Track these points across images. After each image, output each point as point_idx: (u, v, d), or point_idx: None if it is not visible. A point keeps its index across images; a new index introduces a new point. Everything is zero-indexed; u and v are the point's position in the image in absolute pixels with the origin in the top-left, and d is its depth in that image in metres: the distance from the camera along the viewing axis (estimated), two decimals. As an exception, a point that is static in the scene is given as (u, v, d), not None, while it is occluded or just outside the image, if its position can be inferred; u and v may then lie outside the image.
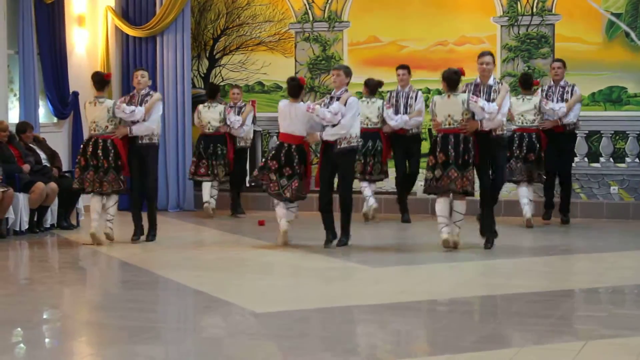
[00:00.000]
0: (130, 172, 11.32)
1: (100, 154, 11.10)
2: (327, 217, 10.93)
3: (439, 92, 14.23)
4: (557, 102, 12.66)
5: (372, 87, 13.20)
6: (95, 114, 11.20)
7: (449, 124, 10.44)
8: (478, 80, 10.77)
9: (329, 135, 10.75)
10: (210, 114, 13.78)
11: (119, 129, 11.19)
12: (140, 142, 11.33)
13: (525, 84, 12.71)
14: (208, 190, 13.82)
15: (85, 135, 14.45)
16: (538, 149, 12.48)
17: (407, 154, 13.24)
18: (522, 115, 12.54)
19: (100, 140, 11.14)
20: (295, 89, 10.89)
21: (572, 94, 12.74)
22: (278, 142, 10.99)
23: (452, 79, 10.53)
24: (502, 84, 10.87)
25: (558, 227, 12.62)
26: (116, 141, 11.17)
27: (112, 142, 11.15)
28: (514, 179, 12.47)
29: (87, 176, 11.14)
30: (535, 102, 12.56)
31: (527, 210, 12.40)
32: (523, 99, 12.60)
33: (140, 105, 11.28)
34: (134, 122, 11.24)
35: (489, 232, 10.74)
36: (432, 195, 10.85)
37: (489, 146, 10.48)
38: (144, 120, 11.26)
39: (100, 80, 11.36)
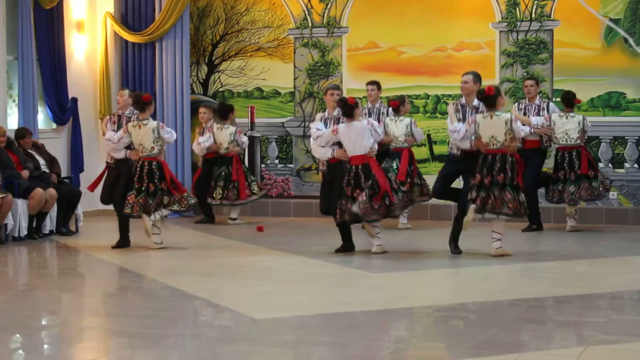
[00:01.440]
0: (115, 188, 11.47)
1: (146, 177, 11.11)
2: (345, 226, 10.97)
3: (438, 98, 14.32)
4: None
5: (396, 106, 13.00)
6: (141, 136, 11.15)
7: (493, 145, 10.32)
8: (463, 100, 10.76)
9: None
10: (222, 135, 13.74)
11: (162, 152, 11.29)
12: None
13: (567, 102, 12.61)
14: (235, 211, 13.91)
15: (86, 144, 14.61)
16: (578, 166, 12.47)
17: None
18: (566, 134, 12.49)
19: (146, 163, 11.14)
20: (346, 108, 10.59)
21: (548, 111, 12.73)
22: (349, 168, 10.69)
23: (487, 98, 10.34)
24: None
25: (557, 233, 12.61)
26: (163, 163, 11.24)
27: (158, 164, 11.17)
28: (570, 199, 12.51)
29: (139, 201, 11.10)
30: (579, 120, 12.53)
31: (573, 222, 12.64)
32: (567, 117, 12.54)
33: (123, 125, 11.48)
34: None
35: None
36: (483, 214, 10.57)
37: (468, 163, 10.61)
38: None
39: (139, 102, 11.23)
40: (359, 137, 10.57)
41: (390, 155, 12.89)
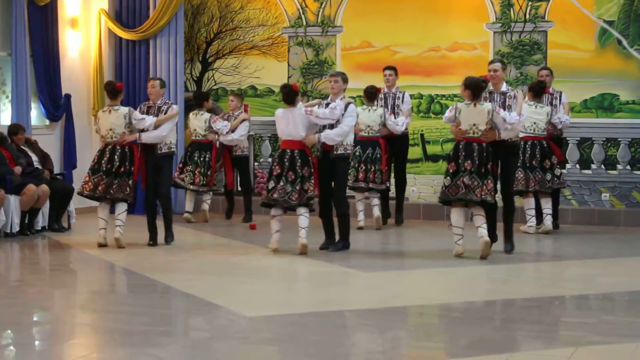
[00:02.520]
0: (146, 180, 11.43)
1: (117, 160, 11.15)
2: (327, 222, 11.00)
3: (431, 98, 14.33)
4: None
5: (371, 95, 13.07)
6: (111, 121, 11.24)
7: (474, 133, 10.39)
8: (491, 87, 10.79)
9: (329, 139, 10.77)
10: (197, 122, 13.79)
11: (124, 134, 11.22)
12: (159, 151, 11.45)
13: (537, 92, 12.57)
14: (191, 202, 13.89)
15: (79, 140, 14.59)
16: (550, 155, 12.48)
17: (395, 157, 13.27)
18: (534, 123, 12.46)
19: (118, 147, 11.20)
20: (290, 95, 10.82)
21: (560, 101, 12.73)
22: (280, 150, 10.89)
23: (479, 87, 10.45)
24: (518, 91, 10.92)
25: (549, 234, 12.62)
26: (134, 148, 11.27)
27: (130, 149, 11.24)
28: (541, 190, 12.48)
29: (94, 180, 11.17)
30: (548, 111, 12.50)
31: (550, 219, 12.57)
32: (536, 106, 12.51)
33: (156, 116, 11.41)
34: (143, 130, 11.29)
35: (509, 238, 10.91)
36: (445, 204, 10.78)
37: (502, 153, 10.54)
38: (154, 128, 11.34)
39: (112, 90, 11.37)
40: (296, 123, 10.68)
41: (357, 143, 12.82)
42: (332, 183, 10.94)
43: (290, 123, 10.73)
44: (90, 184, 11.23)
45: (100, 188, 11.17)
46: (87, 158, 14.88)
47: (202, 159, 13.72)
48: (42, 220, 12.61)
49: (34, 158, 12.87)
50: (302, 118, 10.73)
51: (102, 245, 11.21)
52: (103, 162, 11.19)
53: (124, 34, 15.06)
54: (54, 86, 14.20)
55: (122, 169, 11.18)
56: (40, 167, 12.85)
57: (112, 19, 15.08)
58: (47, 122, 14.40)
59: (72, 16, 14.81)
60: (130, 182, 11.24)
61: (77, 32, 14.90)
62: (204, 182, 13.73)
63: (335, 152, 10.82)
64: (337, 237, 11.10)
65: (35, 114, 14.23)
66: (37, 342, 7.15)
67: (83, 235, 12.53)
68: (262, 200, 10.96)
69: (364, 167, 12.83)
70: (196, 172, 13.68)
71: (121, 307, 8.27)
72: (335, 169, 10.84)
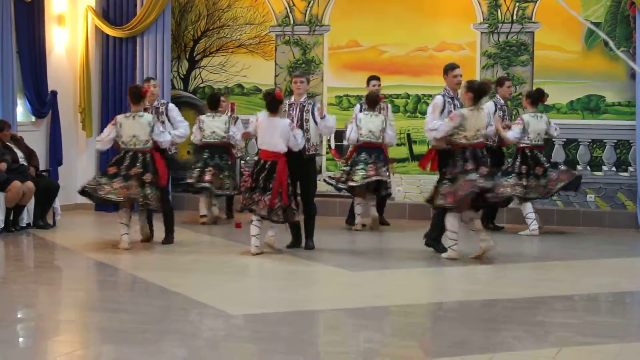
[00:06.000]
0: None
1: (140, 167, 10.97)
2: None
3: (418, 98, 14.34)
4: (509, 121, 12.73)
5: (372, 101, 12.99)
6: (136, 127, 11.00)
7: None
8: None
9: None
10: (215, 123, 13.54)
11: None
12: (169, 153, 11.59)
13: (537, 101, 12.65)
14: (206, 205, 13.61)
15: (65, 137, 14.55)
16: (543, 162, 12.54)
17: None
18: (538, 134, 12.55)
19: (139, 154, 11.01)
20: (274, 103, 10.68)
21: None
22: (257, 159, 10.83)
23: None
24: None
25: (535, 235, 12.64)
26: (155, 155, 11.11)
27: (152, 156, 11.07)
28: (529, 197, 12.48)
29: (114, 185, 10.91)
30: (546, 120, 12.58)
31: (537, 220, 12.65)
32: (537, 117, 12.57)
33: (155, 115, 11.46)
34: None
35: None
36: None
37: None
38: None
39: (137, 95, 11.08)
40: (273, 134, 10.60)
41: (360, 149, 12.76)
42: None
43: (269, 131, 10.63)
44: (106, 187, 10.95)
45: (121, 192, 10.92)
46: (72, 155, 14.87)
47: (223, 162, 13.52)
48: (27, 217, 12.57)
49: (20, 154, 12.83)
50: (284, 130, 10.61)
51: (126, 249, 10.97)
52: (122, 167, 10.98)
53: (111, 31, 15.03)
54: (40, 83, 14.17)
55: (151, 178, 10.96)
56: (25, 163, 12.81)
57: (99, 16, 15.05)
58: (33, 118, 14.35)
59: (58, 13, 14.77)
60: (158, 191, 11.08)
61: (63, 29, 14.86)
62: (235, 186, 13.54)
63: (307, 153, 10.89)
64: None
65: (21, 111, 14.18)
66: (21, 339, 7.13)
67: (68, 232, 12.51)
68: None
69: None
70: (221, 175, 13.46)
71: (106, 304, 8.26)
72: (305, 169, 10.88)
